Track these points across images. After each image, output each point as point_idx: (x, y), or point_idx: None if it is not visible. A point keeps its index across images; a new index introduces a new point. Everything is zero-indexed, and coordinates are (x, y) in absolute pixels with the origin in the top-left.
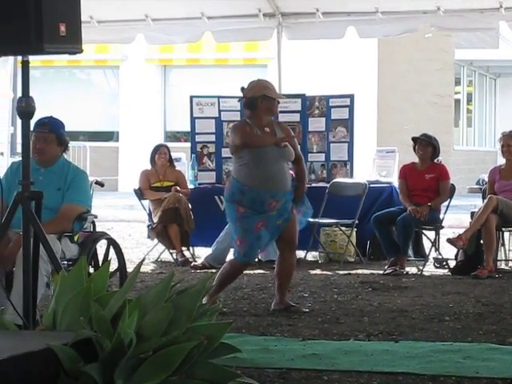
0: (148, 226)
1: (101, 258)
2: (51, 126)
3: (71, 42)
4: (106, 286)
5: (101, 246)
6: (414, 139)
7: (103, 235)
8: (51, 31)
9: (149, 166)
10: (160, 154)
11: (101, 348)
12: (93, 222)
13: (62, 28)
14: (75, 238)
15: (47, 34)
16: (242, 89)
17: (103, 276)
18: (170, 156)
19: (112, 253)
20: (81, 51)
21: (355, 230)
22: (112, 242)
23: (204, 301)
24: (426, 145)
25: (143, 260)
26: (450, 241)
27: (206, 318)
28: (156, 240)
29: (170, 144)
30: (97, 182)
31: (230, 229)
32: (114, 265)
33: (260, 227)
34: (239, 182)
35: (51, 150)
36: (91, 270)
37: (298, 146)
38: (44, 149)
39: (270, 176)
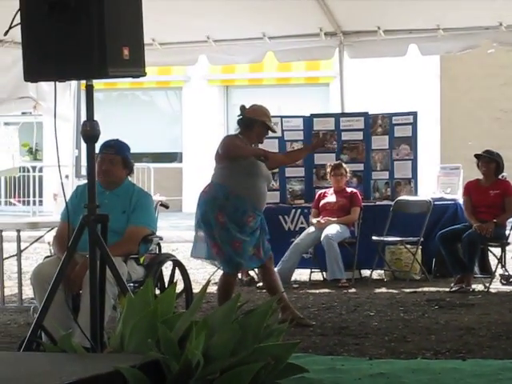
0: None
1: (167, 279)
2: (117, 148)
3: (134, 66)
4: (172, 308)
5: (166, 268)
6: (477, 156)
7: (169, 257)
8: (115, 55)
9: None
10: None
11: (168, 370)
12: (158, 244)
13: (126, 52)
14: (141, 260)
15: (111, 58)
16: (243, 107)
17: (169, 298)
18: None
19: (178, 274)
20: (144, 74)
21: (420, 247)
22: (177, 264)
23: None
24: (489, 161)
25: (209, 281)
26: None
27: (273, 339)
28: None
29: None
30: (162, 204)
31: (294, 248)
32: (179, 286)
33: (238, 246)
34: (225, 187)
35: (117, 171)
36: (157, 291)
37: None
38: (110, 170)
39: (258, 190)
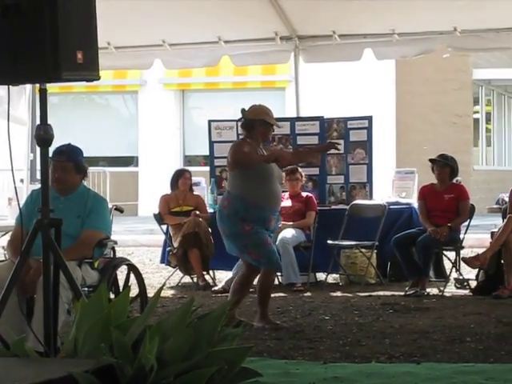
0: (168, 252)
1: (121, 283)
2: (69, 154)
3: (88, 69)
4: (126, 312)
5: (122, 272)
6: (432, 161)
7: (123, 261)
8: (68, 59)
9: (168, 191)
10: (185, 179)
11: (122, 374)
12: (113, 248)
13: (79, 55)
14: (95, 265)
15: (64, 62)
16: (243, 110)
17: (124, 302)
18: (191, 181)
19: (132, 278)
20: (98, 78)
21: (375, 251)
22: (132, 268)
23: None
24: (444, 166)
25: (163, 285)
26: (465, 260)
27: (227, 343)
28: (174, 267)
29: (188, 168)
30: (116, 208)
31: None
32: (134, 290)
33: (270, 242)
34: (244, 199)
35: (70, 178)
36: (112, 296)
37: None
38: (62, 178)
39: (274, 194)
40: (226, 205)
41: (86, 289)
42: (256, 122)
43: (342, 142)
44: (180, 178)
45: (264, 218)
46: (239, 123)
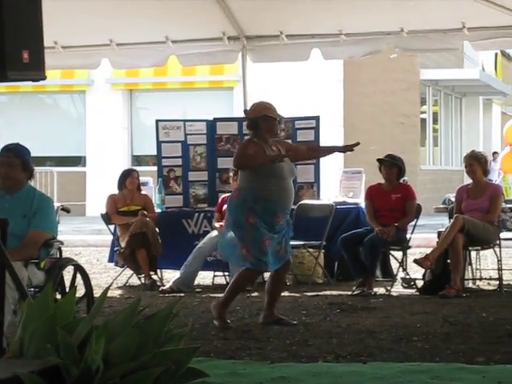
0: (115, 251)
1: (68, 284)
2: (16, 151)
3: (34, 69)
4: (72, 313)
5: (69, 272)
6: (379, 160)
7: (69, 261)
8: (14, 58)
9: (116, 191)
10: (132, 179)
11: (68, 375)
12: (59, 249)
13: (25, 55)
14: (41, 265)
15: (10, 62)
16: (245, 111)
17: (70, 302)
18: (139, 181)
19: (79, 279)
20: (44, 78)
21: (323, 251)
22: (79, 268)
23: (214, 314)
24: (391, 166)
25: (110, 286)
26: (416, 261)
27: (174, 343)
28: (122, 266)
29: (136, 168)
30: (63, 208)
31: (197, 252)
32: (81, 291)
33: (267, 243)
34: (254, 190)
35: (15, 174)
36: (58, 296)
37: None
38: (9, 173)
39: (283, 190)
40: (236, 195)
41: (32, 289)
42: (258, 119)
43: (289, 141)
44: (127, 178)
45: (272, 211)
46: (244, 123)
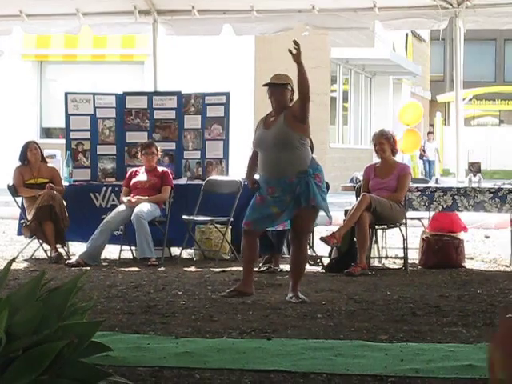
0: (21, 224)
1: None
2: None
3: None
4: None
5: None
6: None
7: None
8: None
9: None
10: (31, 151)
11: None
12: None
13: None
14: None
15: None
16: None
17: None
18: (42, 152)
19: None
20: None
21: (230, 227)
22: None
23: None
24: None
25: (14, 258)
26: (323, 239)
27: (78, 317)
28: (30, 237)
29: (45, 141)
30: None
31: (104, 226)
32: None
33: (258, 200)
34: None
35: None
36: None
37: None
38: None
39: (265, 163)
40: None
41: None
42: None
43: (198, 117)
44: (28, 151)
45: (263, 184)
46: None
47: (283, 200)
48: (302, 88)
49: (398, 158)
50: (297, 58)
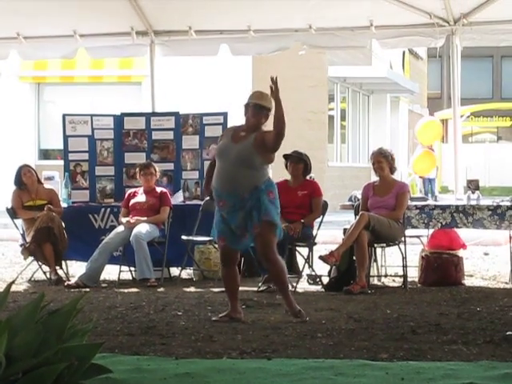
0: (21, 246)
1: None
2: None
3: None
4: None
5: None
6: (286, 156)
7: None
8: None
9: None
10: (25, 174)
11: None
12: None
13: None
14: None
15: None
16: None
17: None
18: (37, 174)
19: None
20: None
21: None
22: None
23: None
24: (297, 161)
25: (14, 280)
26: (322, 258)
27: (78, 339)
28: (29, 259)
29: (43, 162)
30: None
31: (103, 247)
32: None
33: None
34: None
35: None
36: None
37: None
38: None
39: (221, 176)
40: None
41: None
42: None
43: (196, 137)
44: (21, 175)
45: (215, 197)
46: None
47: (235, 216)
48: (278, 124)
49: (396, 175)
50: (275, 95)
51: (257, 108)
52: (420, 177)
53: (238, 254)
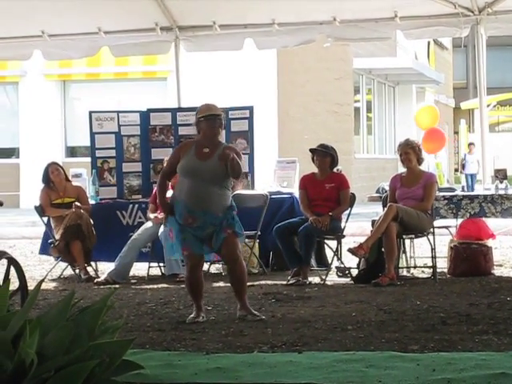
0: (50, 244)
1: (1, 277)
2: None
3: None
4: (5, 307)
5: (3, 265)
6: (312, 150)
7: (3, 254)
8: None
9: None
10: (53, 173)
11: (2, 369)
12: None
13: None
14: None
15: None
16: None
17: (3, 296)
18: (65, 172)
19: (13, 272)
20: None
21: (258, 241)
22: (12, 261)
23: None
24: (324, 155)
25: (44, 278)
26: (350, 250)
27: (109, 335)
28: (57, 258)
29: (70, 159)
30: None
31: (131, 244)
32: (15, 284)
33: (171, 234)
34: (174, 193)
35: None
36: None
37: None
38: None
39: (192, 193)
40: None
41: None
42: (198, 121)
43: (223, 132)
44: (49, 173)
45: (179, 212)
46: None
47: (204, 229)
48: (234, 175)
49: (424, 166)
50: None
51: (211, 119)
52: (461, 172)
53: (203, 258)
